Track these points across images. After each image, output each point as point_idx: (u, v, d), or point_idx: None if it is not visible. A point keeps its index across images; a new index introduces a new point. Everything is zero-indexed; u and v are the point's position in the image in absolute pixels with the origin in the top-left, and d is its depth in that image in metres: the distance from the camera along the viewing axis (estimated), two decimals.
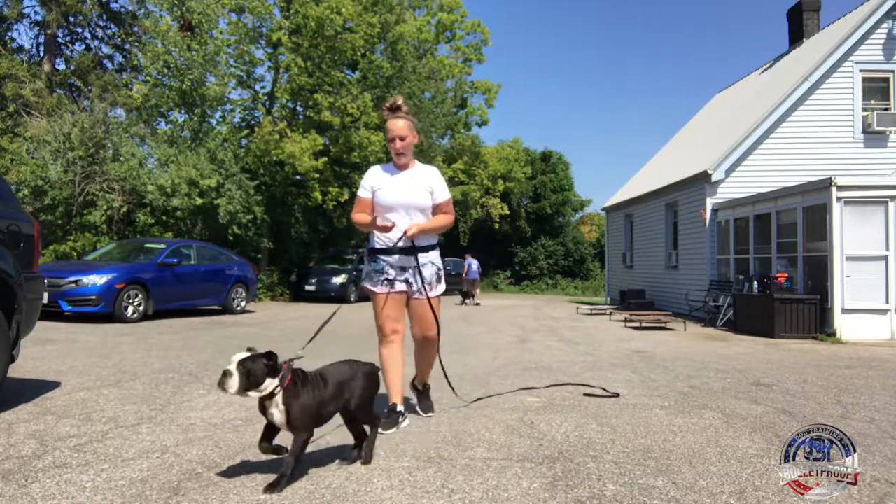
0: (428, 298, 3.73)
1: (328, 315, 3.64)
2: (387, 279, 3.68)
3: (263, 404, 2.66)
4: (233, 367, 2.54)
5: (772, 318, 9.73)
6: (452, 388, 4.22)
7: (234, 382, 2.52)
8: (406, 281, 3.69)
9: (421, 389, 4.06)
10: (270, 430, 2.74)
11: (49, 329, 8.54)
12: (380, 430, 3.49)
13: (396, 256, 3.65)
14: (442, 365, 4.08)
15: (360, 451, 3.04)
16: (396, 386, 3.77)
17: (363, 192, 3.74)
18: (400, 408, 3.73)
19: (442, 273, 3.84)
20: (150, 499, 2.49)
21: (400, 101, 3.69)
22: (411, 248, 3.63)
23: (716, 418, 4.05)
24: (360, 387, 2.94)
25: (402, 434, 3.55)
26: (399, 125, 3.64)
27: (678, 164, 16.53)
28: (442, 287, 3.82)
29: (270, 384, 2.60)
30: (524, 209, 32.01)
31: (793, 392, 5.02)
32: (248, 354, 2.60)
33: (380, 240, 3.67)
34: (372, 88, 19.30)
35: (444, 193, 3.77)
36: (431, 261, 3.76)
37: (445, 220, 3.80)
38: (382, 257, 3.67)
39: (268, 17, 17.62)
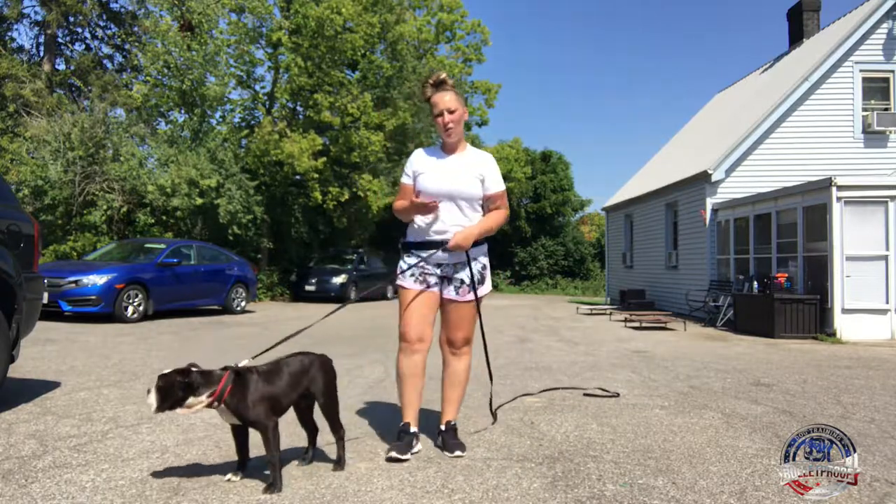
0: (476, 298, 3.21)
1: (324, 314, 3.57)
2: (423, 274, 3.16)
3: (218, 411, 2.64)
4: (152, 387, 2.52)
5: (772, 318, 9.72)
6: (491, 408, 3.81)
7: (151, 400, 2.49)
8: (444, 278, 3.19)
9: (444, 429, 3.25)
10: (236, 434, 2.74)
11: (49, 329, 8.54)
12: (392, 454, 3.03)
13: (437, 252, 3.13)
14: (488, 364, 3.62)
15: (313, 450, 3.02)
16: (413, 403, 3.18)
17: (405, 179, 3.26)
18: (414, 428, 3.18)
19: (487, 272, 3.28)
20: (150, 499, 2.49)
21: (444, 76, 3.19)
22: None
23: (716, 418, 4.05)
24: (321, 378, 2.87)
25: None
26: (447, 98, 3.13)
27: (678, 164, 16.53)
28: (487, 287, 3.27)
29: (196, 401, 2.54)
30: (524, 209, 31.99)
31: (793, 392, 5.02)
32: (164, 373, 2.54)
33: (418, 233, 3.19)
34: (372, 88, 19.29)
35: (497, 183, 3.22)
36: (477, 257, 3.23)
37: (499, 217, 3.23)
38: (417, 252, 3.18)
39: (268, 17, 17.63)
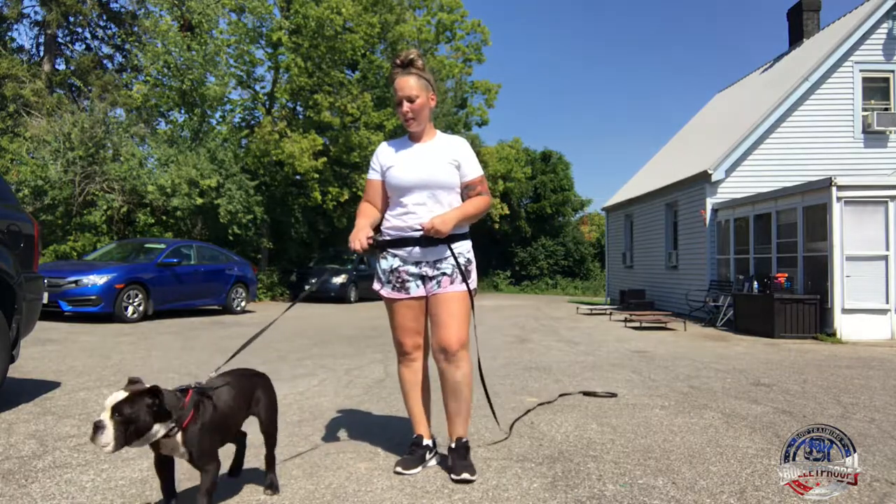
0: (468, 290, 2.88)
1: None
2: (399, 280, 2.89)
3: (158, 442, 2.15)
4: (105, 417, 1.97)
5: (772, 318, 9.73)
6: (495, 417, 3.46)
7: (107, 437, 1.96)
8: (423, 278, 2.88)
9: (454, 447, 2.88)
10: (163, 466, 2.29)
11: (49, 329, 8.53)
12: (397, 469, 2.85)
13: (414, 249, 2.85)
14: (484, 385, 3.25)
15: (238, 474, 2.67)
16: (421, 413, 2.99)
17: (372, 174, 2.99)
18: (427, 441, 2.96)
19: (473, 267, 2.94)
20: (151, 499, 2.49)
21: (413, 55, 2.87)
22: (432, 238, 2.82)
23: (716, 418, 4.05)
24: (265, 397, 2.57)
25: (402, 434, 3.54)
26: (410, 84, 2.83)
27: (678, 164, 16.53)
28: (472, 284, 2.92)
29: (162, 428, 2.09)
30: (524, 209, 32.01)
31: (793, 392, 5.02)
32: (123, 396, 2.01)
33: (390, 230, 2.92)
34: (372, 88, 19.30)
35: (474, 169, 2.93)
36: (460, 252, 2.90)
37: (480, 203, 2.91)
38: (394, 251, 2.89)
39: (268, 17, 17.63)
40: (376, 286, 3.01)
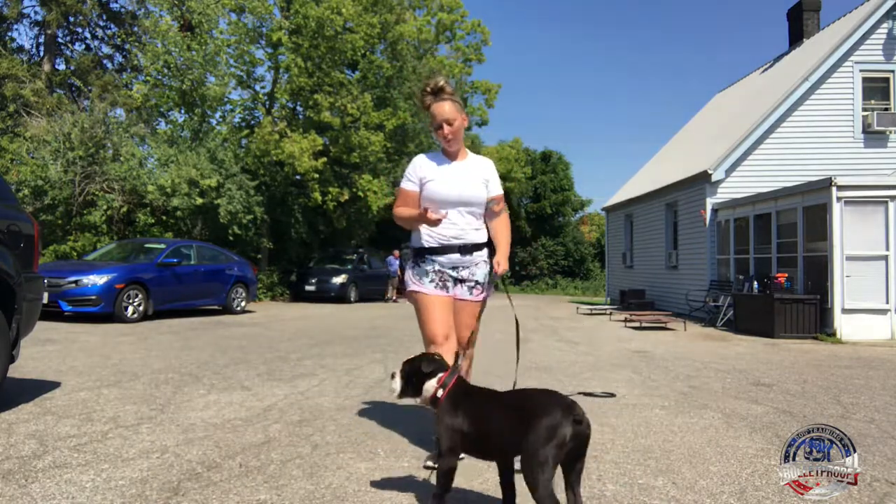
0: (486, 296, 3.30)
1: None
2: (442, 280, 3.19)
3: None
4: (396, 371, 2.49)
5: (772, 318, 9.72)
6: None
7: (395, 385, 2.46)
8: (457, 281, 3.22)
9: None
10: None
11: (49, 329, 8.53)
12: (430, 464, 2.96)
13: (455, 256, 3.18)
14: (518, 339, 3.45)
15: None
16: None
17: (409, 185, 3.24)
18: None
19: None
20: (150, 499, 2.49)
21: (442, 82, 3.20)
22: (470, 247, 3.20)
23: (716, 418, 4.05)
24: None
25: (402, 435, 3.54)
26: (446, 109, 3.16)
27: (678, 164, 16.53)
28: (492, 290, 3.32)
29: (430, 387, 2.40)
30: (524, 209, 32.03)
31: (793, 392, 5.02)
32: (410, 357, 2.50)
33: (430, 237, 3.18)
34: (372, 88, 19.30)
35: (499, 186, 3.34)
36: (485, 259, 3.27)
37: (508, 226, 3.36)
38: (432, 257, 3.19)
39: (268, 17, 17.62)
40: (413, 286, 3.21)
